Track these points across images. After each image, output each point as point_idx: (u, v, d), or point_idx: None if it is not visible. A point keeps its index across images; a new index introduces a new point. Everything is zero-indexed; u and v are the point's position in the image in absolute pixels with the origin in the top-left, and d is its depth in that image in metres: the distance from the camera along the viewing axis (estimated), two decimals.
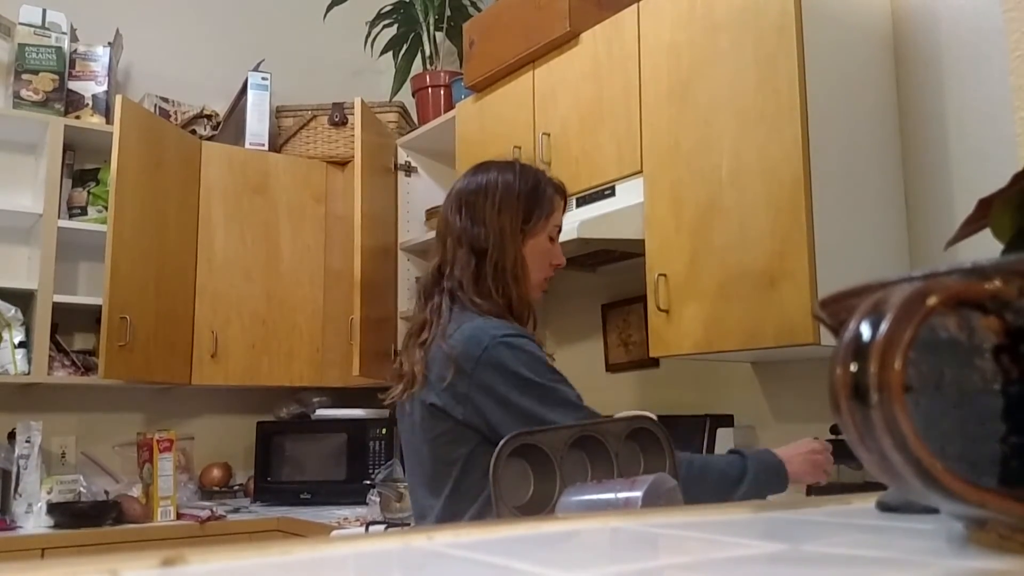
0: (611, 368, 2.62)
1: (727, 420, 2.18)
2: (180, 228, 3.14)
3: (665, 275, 2.03)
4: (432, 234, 3.01)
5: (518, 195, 1.58)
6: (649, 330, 2.08)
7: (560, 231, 1.64)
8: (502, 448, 1.07)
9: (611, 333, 2.65)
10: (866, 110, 1.93)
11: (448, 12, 3.30)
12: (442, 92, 3.20)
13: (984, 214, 0.64)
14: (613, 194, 2.20)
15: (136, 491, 2.95)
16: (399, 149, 3.23)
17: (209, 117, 3.45)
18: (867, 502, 0.66)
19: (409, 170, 3.23)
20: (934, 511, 0.50)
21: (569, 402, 1.42)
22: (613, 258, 2.48)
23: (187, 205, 3.19)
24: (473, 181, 1.61)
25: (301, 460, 3.28)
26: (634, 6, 2.20)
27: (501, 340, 1.43)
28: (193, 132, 3.37)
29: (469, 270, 1.53)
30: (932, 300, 0.36)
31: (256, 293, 3.30)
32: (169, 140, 3.15)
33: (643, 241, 2.10)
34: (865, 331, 0.36)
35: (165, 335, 3.02)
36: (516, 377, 1.41)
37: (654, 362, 2.43)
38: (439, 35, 3.37)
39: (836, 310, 0.43)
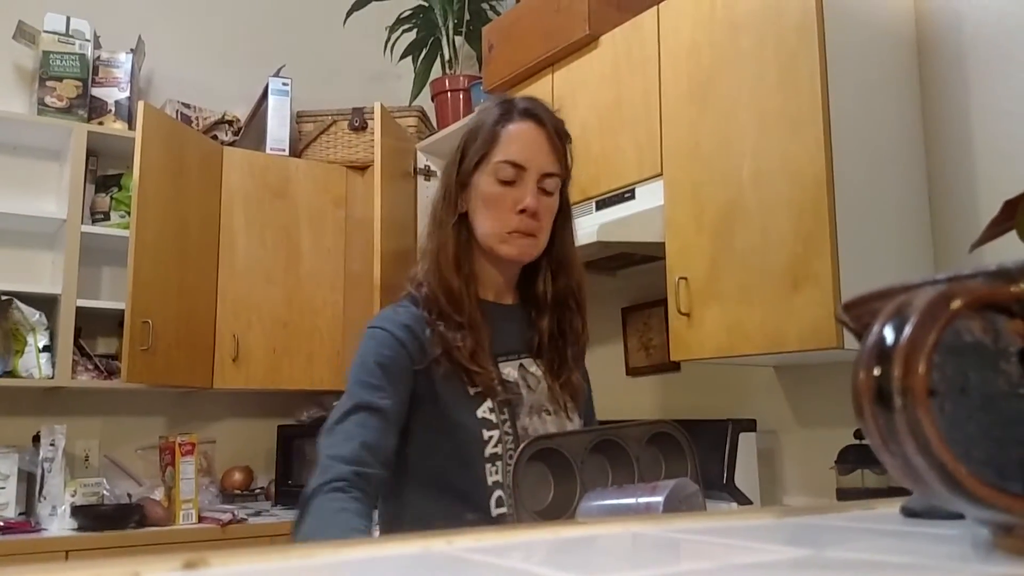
0: (632, 372, 2.61)
1: (750, 425, 2.17)
2: (202, 233, 3.17)
3: (686, 278, 2.02)
4: None
5: (462, 140, 1.32)
6: (670, 334, 2.07)
7: (519, 167, 1.27)
8: (522, 452, 1.07)
9: (631, 337, 2.64)
10: (889, 110, 1.92)
11: (467, 16, 3.31)
12: (461, 96, 3.20)
13: (1010, 216, 0.63)
14: (633, 197, 2.19)
15: (158, 494, 2.97)
16: (418, 153, 3.24)
17: (230, 123, 3.48)
18: (892, 507, 0.65)
19: (428, 174, 3.24)
20: (959, 517, 0.49)
21: (334, 411, 1.21)
22: (633, 261, 2.47)
23: (209, 210, 3.21)
24: None
25: None
26: (654, 8, 2.20)
27: (366, 329, 1.28)
28: (215, 138, 3.40)
29: (423, 240, 1.34)
30: (956, 303, 0.36)
31: (277, 297, 3.32)
32: (191, 146, 3.18)
33: (663, 244, 2.10)
34: (889, 335, 0.35)
35: (187, 339, 3.04)
36: (348, 372, 1.26)
37: (675, 366, 2.42)
38: (458, 39, 3.38)
39: (859, 313, 0.42)
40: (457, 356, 1.24)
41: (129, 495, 3.00)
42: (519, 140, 1.28)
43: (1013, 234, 0.64)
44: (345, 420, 1.19)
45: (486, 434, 1.22)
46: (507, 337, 1.32)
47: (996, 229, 0.64)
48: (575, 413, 1.34)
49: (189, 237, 3.10)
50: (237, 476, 3.34)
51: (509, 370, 1.30)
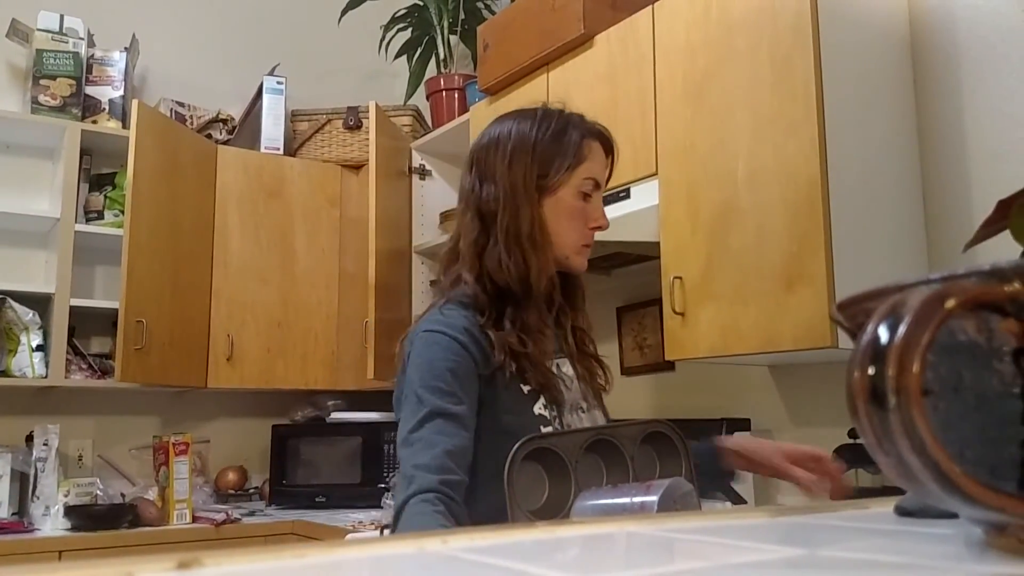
0: (626, 372, 2.61)
1: (744, 424, 2.17)
2: (196, 232, 3.16)
3: (681, 278, 2.02)
4: (446, 237, 3.03)
5: (535, 143, 1.32)
6: (664, 333, 2.07)
7: (597, 185, 1.35)
8: (516, 451, 1.07)
9: (626, 336, 2.64)
10: (883, 110, 1.92)
11: (462, 16, 3.31)
12: (456, 95, 3.20)
13: (1003, 215, 0.63)
14: (628, 196, 2.19)
15: (152, 494, 2.97)
16: (413, 152, 3.24)
17: (225, 121, 3.47)
18: (885, 506, 0.65)
19: (423, 173, 3.24)
20: (953, 516, 0.49)
21: (406, 420, 1.20)
22: (628, 260, 2.47)
23: (203, 209, 3.21)
24: (487, 134, 1.38)
25: (316, 463, 3.29)
26: (649, 7, 2.20)
27: (421, 334, 1.26)
28: (209, 136, 3.39)
29: (472, 238, 1.31)
30: (950, 303, 0.36)
31: (271, 296, 3.32)
32: (185, 144, 3.18)
33: (658, 243, 2.10)
34: (883, 334, 0.35)
35: (181, 338, 3.03)
36: (409, 379, 1.24)
37: (670, 365, 2.42)
38: (453, 39, 3.38)
39: (854, 313, 0.42)
40: (522, 360, 1.26)
41: (123, 495, 3.00)
42: (599, 160, 1.36)
43: (1007, 234, 0.65)
44: (421, 428, 1.18)
45: (543, 430, 1.24)
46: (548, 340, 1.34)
47: (990, 229, 0.64)
48: (598, 411, 1.38)
49: (183, 236, 3.09)
50: (231, 476, 3.33)
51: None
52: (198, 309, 3.15)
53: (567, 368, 1.35)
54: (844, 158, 1.78)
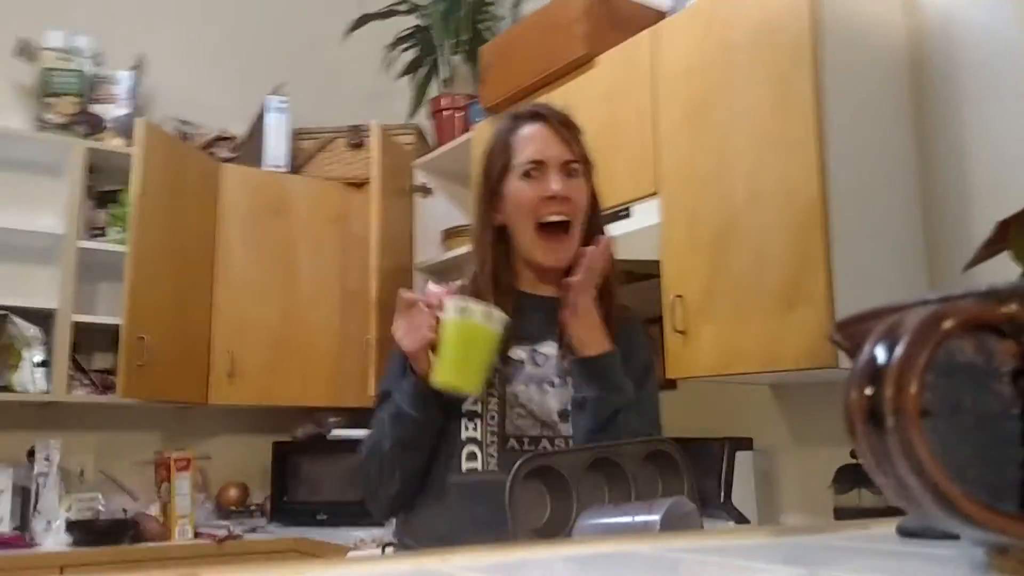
0: None
1: (746, 443, 2.16)
2: (198, 249, 3.17)
3: (682, 296, 2.02)
4: (448, 254, 3.05)
5: (486, 154, 1.40)
6: (666, 352, 2.07)
7: (539, 164, 1.34)
8: (518, 470, 1.07)
9: None
10: (883, 131, 1.93)
11: (465, 36, 3.33)
12: (459, 114, 3.22)
13: (1003, 236, 0.63)
14: (629, 215, 2.20)
15: (154, 510, 2.96)
16: (416, 171, 3.25)
17: (228, 139, 3.49)
18: (888, 527, 0.65)
19: (426, 191, 3.25)
20: (955, 537, 0.49)
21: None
22: (630, 279, 2.47)
23: (206, 226, 3.22)
24: None
25: (317, 480, 3.28)
26: (650, 29, 2.21)
27: None
28: (212, 154, 3.41)
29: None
30: (948, 323, 0.36)
31: (273, 313, 3.32)
32: (189, 162, 3.19)
33: (659, 262, 2.10)
34: (880, 354, 0.36)
35: (183, 355, 3.04)
36: None
37: (671, 384, 2.42)
38: (456, 58, 3.40)
39: (852, 333, 0.42)
40: None
41: (124, 510, 2.99)
42: (532, 140, 1.36)
43: (1007, 254, 0.65)
44: (378, 410, 1.37)
45: (465, 407, 1.32)
46: (531, 326, 1.36)
47: (990, 249, 0.64)
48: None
49: (186, 253, 3.10)
50: (232, 492, 3.32)
51: (519, 352, 1.35)
52: (200, 326, 3.15)
53: (548, 349, 1.36)
54: (844, 179, 1.78)
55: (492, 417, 1.31)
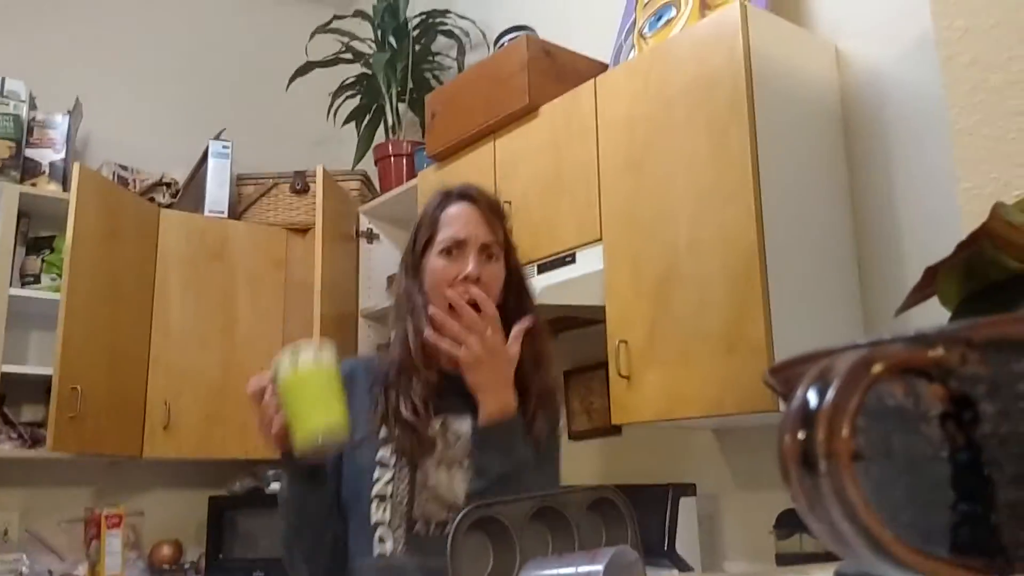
0: (574, 436, 2.60)
1: (690, 489, 2.17)
2: (135, 296, 3.10)
3: (626, 341, 2.03)
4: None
5: (413, 229, 1.47)
6: (611, 397, 2.08)
7: (458, 242, 1.38)
8: (460, 521, 1.05)
9: (574, 400, 2.64)
10: (818, 182, 1.98)
11: (410, 84, 3.35)
12: (404, 161, 3.23)
13: (930, 282, 0.65)
14: (574, 261, 2.22)
15: (82, 570, 2.83)
16: (361, 216, 3.24)
17: (168, 185, 3.44)
18: (826, 572, 0.65)
19: (371, 237, 3.23)
20: None
21: None
22: (575, 324, 2.49)
23: (143, 273, 3.15)
24: None
25: (254, 536, 3.18)
26: (591, 81, 2.26)
27: None
28: (152, 200, 3.35)
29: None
30: (877, 368, 0.37)
31: (211, 362, 3.24)
32: (127, 208, 3.13)
33: (603, 308, 2.12)
34: (812, 399, 0.36)
35: (117, 406, 2.94)
36: None
37: (617, 429, 2.42)
38: (401, 106, 3.42)
39: (785, 377, 0.43)
40: (391, 411, 1.35)
41: (50, 572, 2.85)
42: (456, 219, 1.41)
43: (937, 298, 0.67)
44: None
45: (377, 473, 1.33)
46: (446, 403, 1.37)
47: (918, 295, 0.66)
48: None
49: (122, 301, 3.02)
50: (166, 550, 3.20)
51: (434, 429, 1.35)
52: (135, 376, 3.06)
53: (459, 424, 1.36)
54: (780, 227, 1.83)
55: (400, 501, 1.32)
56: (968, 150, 1.39)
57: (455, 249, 1.38)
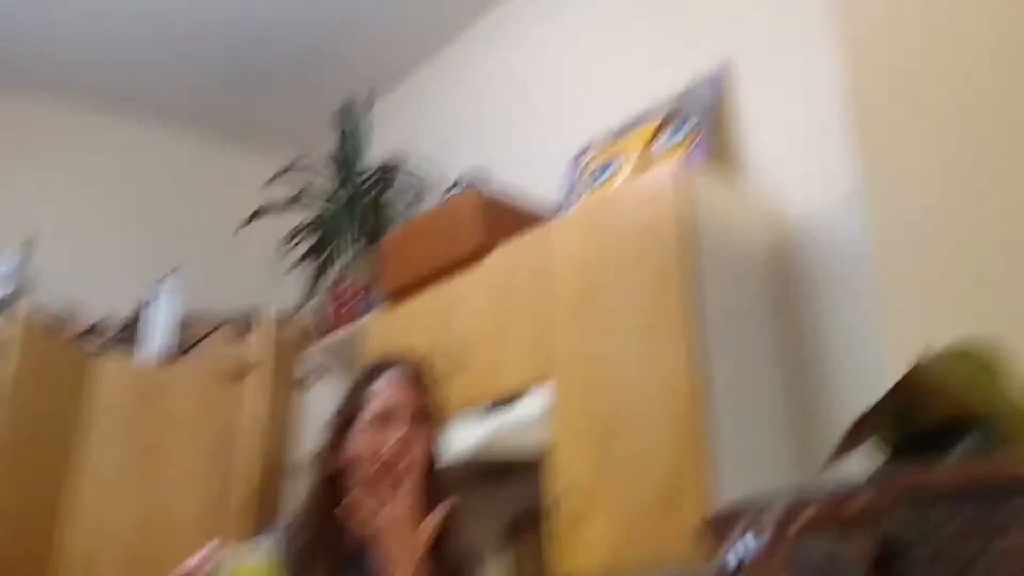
0: None
1: None
2: (54, 446, 2.91)
3: (569, 488, 2.01)
4: None
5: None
6: (556, 544, 2.02)
7: (383, 415, 1.40)
8: None
9: (520, 546, 2.56)
10: (753, 332, 2.04)
11: (362, 228, 3.39)
12: (354, 303, 3.23)
13: (858, 433, 0.67)
14: (519, 404, 2.21)
15: None
16: (304, 359, 3.20)
17: (103, 329, 3.34)
18: None
19: (313, 381, 3.19)
20: None
21: None
22: (520, 469, 2.45)
23: (66, 419, 2.97)
24: None
25: None
26: (539, 228, 2.33)
27: None
28: (85, 342, 3.24)
29: None
30: (803, 519, 0.38)
31: (136, 516, 2.99)
32: (53, 351, 2.99)
33: (548, 452, 2.10)
34: (733, 558, 0.36)
35: (24, 564, 2.71)
36: None
37: None
38: (354, 248, 3.44)
39: (717, 528, 0.43)
40: None
41: None
42: (383, 390, 1.42)
43: (868, 445, 0.68)
44: None
45: None
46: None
47: (847, 445, 0.68)
48: None
49: (40, 450, 2.84)
50: None
51: None
52: (46, 531, 2.82)
53: None
54: (719, 376, 1.87)
55: None
56: (894, 301, 1.46)
57: (379, 420, 1.38)
